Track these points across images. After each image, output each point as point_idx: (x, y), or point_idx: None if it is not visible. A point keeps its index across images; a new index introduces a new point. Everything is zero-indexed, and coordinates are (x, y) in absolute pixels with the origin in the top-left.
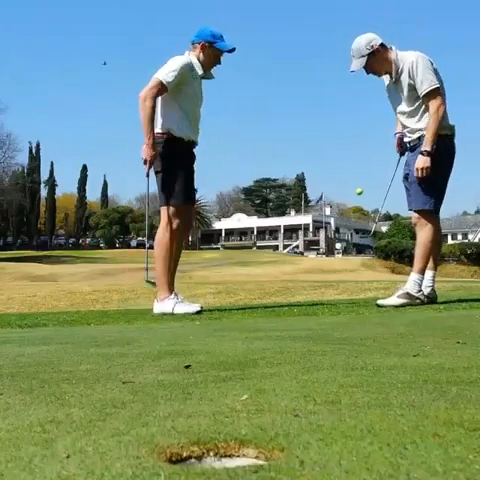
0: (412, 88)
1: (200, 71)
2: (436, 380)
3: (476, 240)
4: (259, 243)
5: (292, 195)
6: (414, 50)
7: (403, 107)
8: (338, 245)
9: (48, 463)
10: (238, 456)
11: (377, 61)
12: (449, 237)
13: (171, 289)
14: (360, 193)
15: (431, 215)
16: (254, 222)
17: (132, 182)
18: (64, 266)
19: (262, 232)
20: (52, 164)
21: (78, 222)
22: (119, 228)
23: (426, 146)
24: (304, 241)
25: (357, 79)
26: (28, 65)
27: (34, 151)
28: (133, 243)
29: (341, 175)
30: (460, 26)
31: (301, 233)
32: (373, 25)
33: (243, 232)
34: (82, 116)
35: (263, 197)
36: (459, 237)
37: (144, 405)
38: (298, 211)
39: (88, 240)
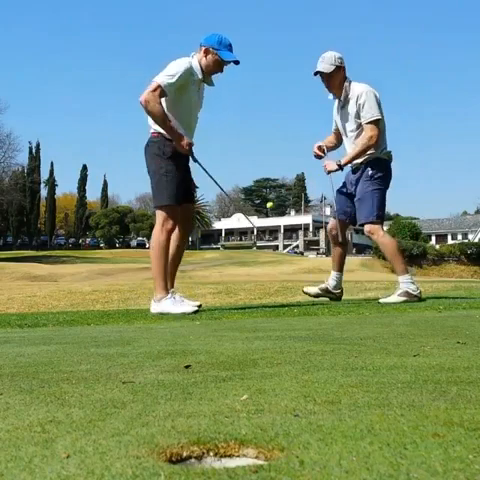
0: (357, 116)
1: (199, 76)
2: (436, 380)
3: (476, 240)
4: (259, 243)
5: (292, 195)
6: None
7: (349, 130)
8: None
9: (48, 463)
10: (238, 456)
11: (338, 78)
12: (449, 237)
13: (167, 289)
14: (271, 207)
15: (379, 223)
16: (254, 222)
17: (132, 182)
18: (64, 266)
19: (262, 232)
20: (52, 164)
21: (78, 222)
22: (119, 228)
23: (344, 159)
24: (304, 241)
25: (357, 79)
26: (28, 65)
27: (34, 151)
28: (133, 243)
29: (341, 175)
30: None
31: (301, 233)
32: (373, 25)
33: (243, 232)
34: (82, 116)
35: (263, 197)
36: (459, 237)
37: (144, 405)
38: (298, 211)
39: (88, 240)
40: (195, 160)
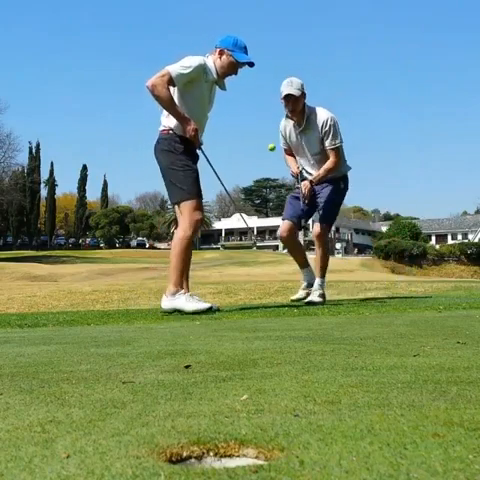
0: (321, 141)
1: (214, 76)
2: (436, 380)
3: (476, 240)
4: (259, 243)
5: None
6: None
7: (313, 153)
8: (338, 245)
9: (48, 463)
10: (238, 456)
11: (302, 103)
12: (449, 237)
13: (182, 285)
14: (272, 149)
15: (329, 227)
16: (254, 222)
17: (132, 182)
18: (64, 266)
19: (262, 232)
20: (52, 164)
21: (78, 222)
22: (119, 228)
23: (315, 179)
24: (304, 241)
25: (358, 79)
26: (28, 65)
27: (34, 151)
28: (133, 243)
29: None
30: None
31: (301, 233)
32: (373, 25)
33: (243, 232)
34: (82, 116)
35: (263, 197)
36: (459, 237)
37: (144, 405)
38: None
39: (88, 240)
40: (200, 148)
